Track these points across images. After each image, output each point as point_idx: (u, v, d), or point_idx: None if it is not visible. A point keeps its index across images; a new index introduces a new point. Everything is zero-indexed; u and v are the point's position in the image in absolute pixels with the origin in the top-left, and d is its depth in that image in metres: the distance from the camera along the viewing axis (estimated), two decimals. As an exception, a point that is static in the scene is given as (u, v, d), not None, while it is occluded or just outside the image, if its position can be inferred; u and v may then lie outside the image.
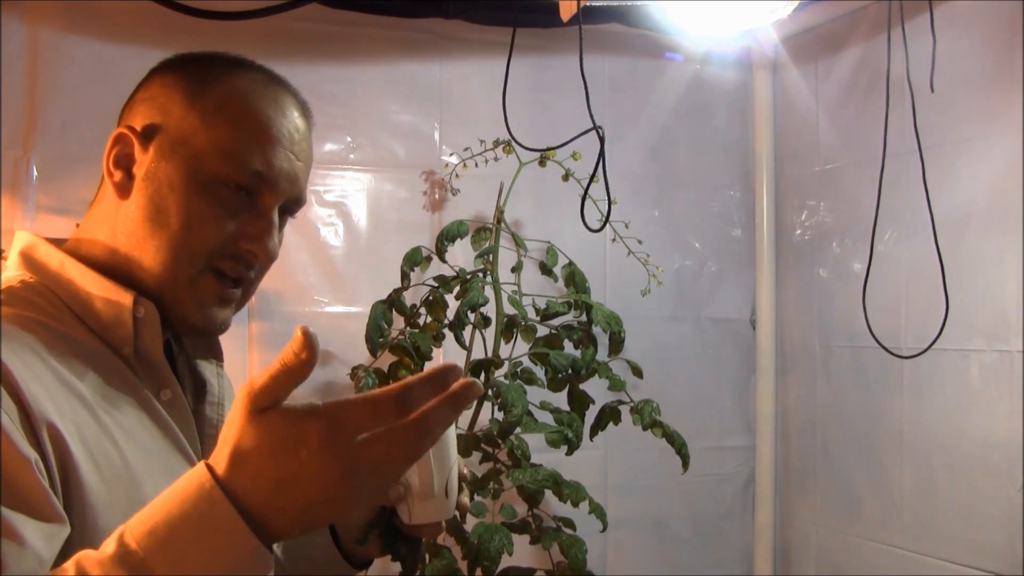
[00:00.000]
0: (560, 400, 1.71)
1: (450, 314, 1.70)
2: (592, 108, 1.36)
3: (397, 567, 0.94)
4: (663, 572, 2.10)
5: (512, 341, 1.73)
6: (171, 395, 0.89)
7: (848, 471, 1.97)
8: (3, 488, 0.68)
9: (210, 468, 0.63)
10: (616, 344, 1.74)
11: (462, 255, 1.83)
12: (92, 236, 0.89)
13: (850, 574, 1.97)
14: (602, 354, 1.74)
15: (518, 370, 1.69)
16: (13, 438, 0.70)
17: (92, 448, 0.77)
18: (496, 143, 1.78)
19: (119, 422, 0.81)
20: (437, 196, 1.93)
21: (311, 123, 0.95)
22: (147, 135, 0.88)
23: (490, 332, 1.74)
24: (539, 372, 1.69)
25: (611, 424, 1.72)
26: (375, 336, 1.63)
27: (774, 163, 2.18)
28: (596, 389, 1.73)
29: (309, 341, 0.62)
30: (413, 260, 1.71)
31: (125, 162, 0.88)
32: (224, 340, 1.00)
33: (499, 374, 1.69)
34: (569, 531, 1.66)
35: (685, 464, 1.68)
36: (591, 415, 1.73)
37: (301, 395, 1.91)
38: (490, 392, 1.66)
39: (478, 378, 1.67)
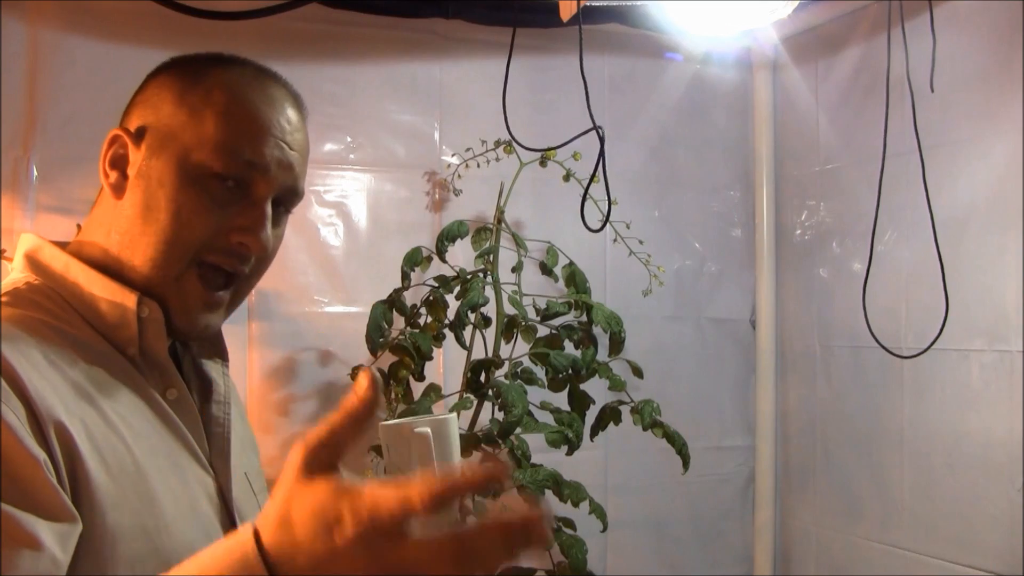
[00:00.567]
0: (560, 400, 1.71)
1: (450, 314, 1.70)
2: (592, 108, 1.36)
3: None
4: (663, 572, 2.10)
5: (512, 341, 1.73)
6: (177, 394, 0.89)
7: (848, 471, 1.97)
8: (15, 489, 0.68)
9: (257, 534, 0.60)
10: (616, 344, 1.74)
11: (462, 255, 1.83)
12: (91, 238, 0.89)
13: (850, 574, 1.97)
14: (602, 354, 1.74)
15: (518, 370, 1.69)
16: (21, 438, 0.70)
17: (100, 446, 0.77)
18: (497, 143, 1.78)
19: (126, 421, 0.81)
20: (437, 196, 1.93)
21: (305, 115, 0.94)
22: (139, 134, 0.88)
23: (490, 332, 1.74)
24: (539, 372, 1.69)
25: (611, 424, 1.72)
26: (375, 336, 1.63)
27: (774, 163, 2.18)
28: (596, 389, 1.73)
29: (374, 381, 0.60)
30: (413, 260, 1.71)
31: (120, 163, 0.88)
32: (225, 340, 1.00)
33: (499, 374, 1.69)
34: (569, 531, 1.66)
35: (685, 464, 1.68)
36: (591, 415, 1.73)
37: (301, 394, 1.90)
38: (490, 392, 1.66)
39: (478, 378, 1.68)
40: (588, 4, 1.76)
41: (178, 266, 0.85)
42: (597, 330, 1.73)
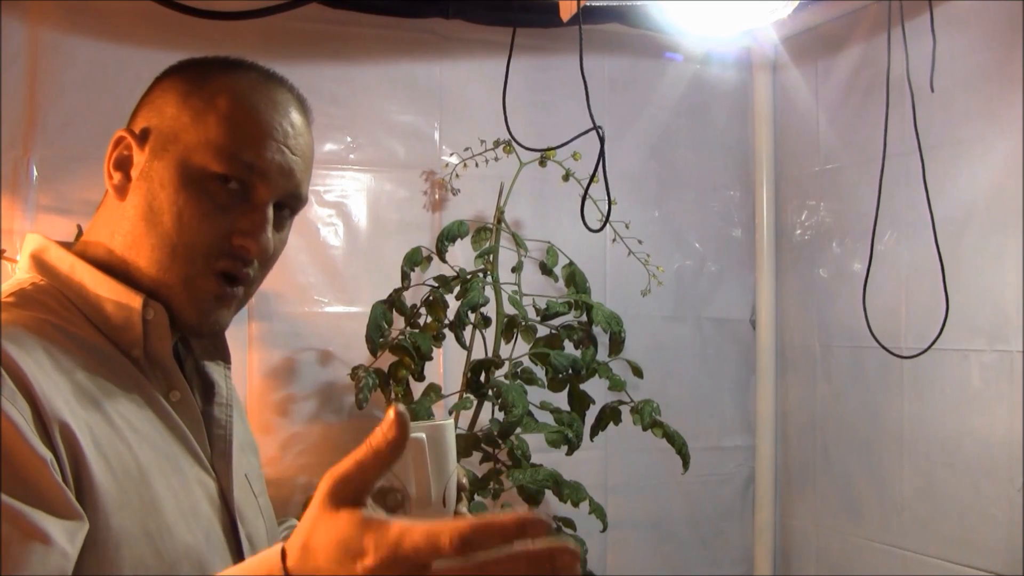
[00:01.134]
0: (560, 400, 1.71)
1: (450, 314, 1.70)
2: (592, 108, 1.36)
3: None
4: (663, 572, 2.10)
5: (512, 341, 1.73)
6: (180, 396, 0.89)
7: (848, 471, 1.97)
8: (22, 487, 0.69)
9: (284, 554, 0.62)
10: (616, 344, 1.74)
11: (462, 255, 1.83)
12: (96, 239, 0.90)
13: (850, 574, 1.97)
14: (602, 354, 1.74)
15: (518, 370, 1.69)
16: (27, 437, 0.70)
17: (104, 448, 0.77)
18: (496, 143, 1.78)
19: (130, 422, 0.81)
20: (437, 196, 1.93)
21: (310, 120, 0.95)
22: (143, 136, 0.88)
23: (490, 332, 1.74)
24: (539, 372, 1.69)
25: (611, 424, 1.72)
26: (375, 336, 1.63)
27: (774, 163, 2.18)
28: (596, 389, 1.73)
29: (401, 420, 0.59)
30: (413, 260, 1.72)
31: (124, 164, 0.89)
32: (225, 340, 1.00)
33: (499, 374, 1.69)
34: (569, 531, 1.66)
35: (685, 464, 1.68)
36: (591, 415, 1.73)
37: (301, 394, 1.90)
38: (490, 392, 1.66)
39: (478, 378, 1.68)
40: (588, 4, 1.76)
41: (188, 269, 0.86)
42: (597, 330, 1.73)
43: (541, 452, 1.66)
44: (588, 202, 1.44)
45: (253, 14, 1.56)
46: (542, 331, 1.75)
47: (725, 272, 2.19)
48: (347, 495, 0.60)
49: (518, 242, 1.78)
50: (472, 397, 1.67)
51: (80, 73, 1.66)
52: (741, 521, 2.19)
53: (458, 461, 1.64)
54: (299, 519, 0.64)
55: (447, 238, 1.72)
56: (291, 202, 0.92)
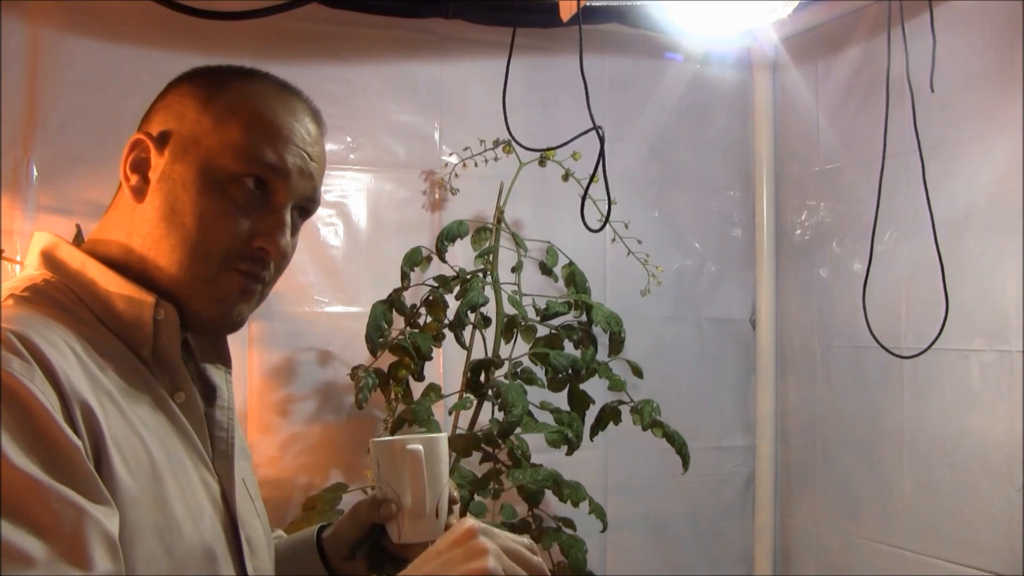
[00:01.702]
0: (560, 400, 1.71)
1: (450, 314, 1.70)
2: (592, 108, 1.36)
3: None
4: (663, 572, 2.10)
5: (512, 341, 1.73)
6: (185, 397, 0.89)
7: (848, 471, 1.97)
8: (62, 472, 0.70)
9: None
10: (616, 344, 1.74)
11: (462, 255, 1.83)
12: (109, 238, 0.90)
13: (850, 574, 1.97)
14: (602, 354, 1.74)
15: (518, 370, 1.69)
16: (62, 426, 0.72)
17: (120, 444, 0.78)
18: (496, 143, 1.78)
19: (142, 420, 0.82)
20: (437, 196, 1.93)
21: (323, 130, 0.97)
22: (162, 139, 0.89)
23: (490, 332, 1.74)
24: (539, 372, 1.69)
25: (611, 424, 1.72)
26: (375, 336, 1.63)
27: (774, 163, 2.18)
28: (596, 389, 1.73)
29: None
30: (413, 260, 1.72)
31: (141, 167, 0.89)
32: (225, 341, 1.00)
33: (499, 374, 1.69)
34: (569, 531, 1.66)
35: (685, 464, 1.68)
36: (591, 415, 1.73)
37: (301, 394, 1.90)
38: (490, 392, 1.66)
39: (478, 378, 1.68)
40: (588, 4, 1.76)
41: (208, 268, 0.86)
42: (597, 330, 1.73)
43: (541, 452, 1.66)
44: (588, 202, 1.44)
45: (253, 14, 1.56)
46: (542, 331, 1.75)
47: (725, 272, 2.19)
48: None
49: (518, 242, 1.78)
50: (472, 397, 1.67)
51: (80, 73, 1.66)
52: (741, 521, 2.19)
53: (458, 461, 1.65)
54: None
55: (447, 238, 1.71)
56: (306, 206, 0.94)
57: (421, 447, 0.93)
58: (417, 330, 1.69)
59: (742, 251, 2.20)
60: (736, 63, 2.17)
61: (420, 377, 1.68)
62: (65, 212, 1.64)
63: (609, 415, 1.72)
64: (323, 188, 1.90)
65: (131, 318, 0.85)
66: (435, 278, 1.73)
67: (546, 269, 1.80)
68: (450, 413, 1.67)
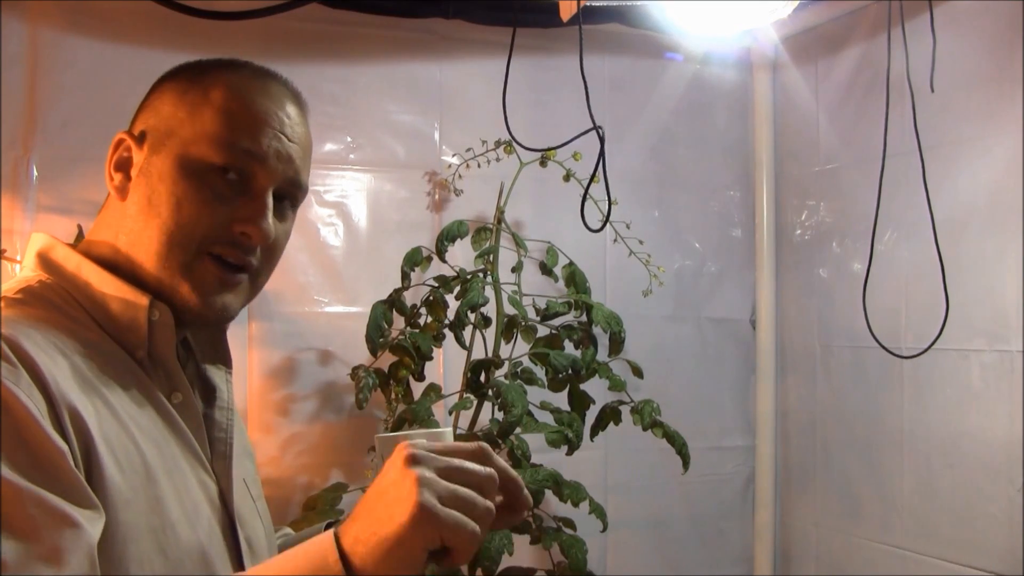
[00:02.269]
0: (560, 400, 1.71)
1: (450, 314, 1.70)
2: (592, 108, 1.36)
3: None
4: (663, 572, 2.10)
5: (512, 341, 1.73)
6: (182, 398, 0.89)
7: (848, 471, 1.97)
8: (45, 476, 0.70)
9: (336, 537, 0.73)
10: (616, 344, 1.74)
11: (462, 255, 1.83)
12: (100, 238, 0.90)
13: (850, 574, 1.97)
14: (602, 354, 1.74)
15: (518, 370, 1.69)
16: (46, 429, 0.71)
17: (112, 443, 0.78)
18: (497, 143, 1.78)
19: (136, 421, 0.82)
20: (437, 196, 1.93)
21: (306, 112, 0.95)
22: (142, 136, 0.89)
23: (490, 332, 1.74)
24: (539, 372, 1.69)
25: (611, 424, 1.72)
26: (375, 336, 1.63)
27: (774, 163, 2.18)
28: (596, 389, 1.73)
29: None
30: (413, 260, 1.71)
31: (124, 165, 0.89)
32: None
33: (499, 374, 1.69)
34: (569, 531, 1.66)
35: (685, 464, 1.68)
36: (591, 415, 1.73)
37: (301, 394, 1.90)
38: (490, 392, 1.66)
39: (478, 378, 1.68)
40: (588, 4, 1.76)
41: (184, 255, 0.85)
42: (597, 330, 1.73)
43: (541, 452, 1.66)
44: (588, 202, 1.44)
45: (253, 14, 1.56)
46: (542, 331, 1.75)
47: (725, 272, 2.19)
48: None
49: (518, 242, 1.78)
50: (472, 397, 1.66)
51: (80, 73, 1.66)
52: (741, 521, 2.19)
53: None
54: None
55: (447, 238, 1.71)
56: (291, 190, 0.92)
57: (424, 442, 0.93)
58: (417, 330, 1.69)
59: (742, 251, 2.20)
60: (736, 63, 2.17)
61: (420, 377, 1.68)
62: (65, 212, 1.64)
63: (609, 415, 1.72)
64: (323, 188, 1.92)
65: (126, 319, 0.85)
66: (435, 278, 1.73)
67: (546, 269, 1.80)
68: (450, 413, 1.67)
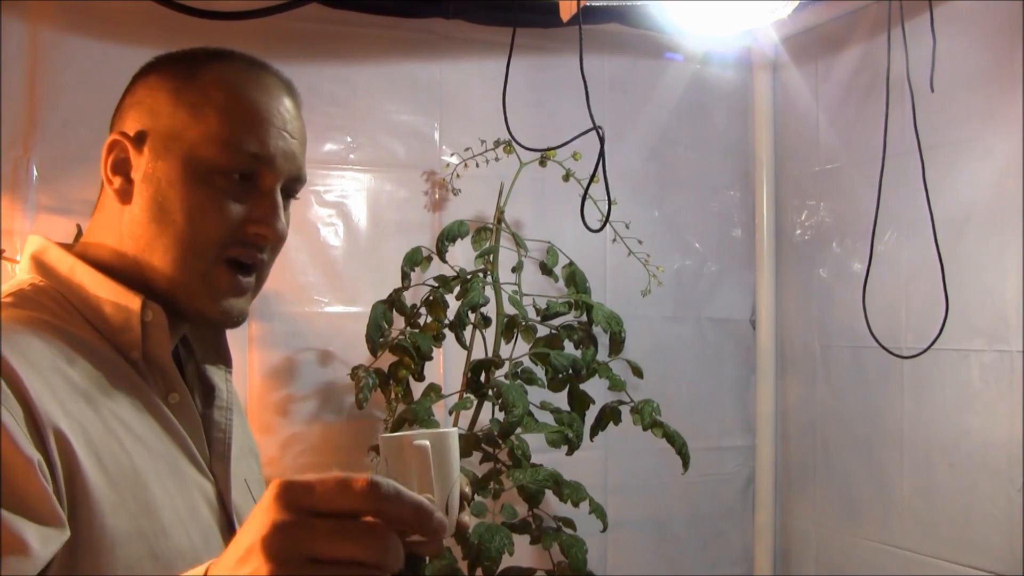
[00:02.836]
0: (560, 400, 1.71)
1: (450, 314, 1.70)
2: (592, 108, 1.36)
3: None
4: (663, 572, 2.10)
5: (512, 341, 1.73)
6: (179, 399, 0.89)
7: (848, 471, 1.97)
8: (7, 489, 0.68)
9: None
10: (616, 344, 1.74)
11: (462, 255, 1.83)
12: (98, 241, 0.90)
13: (850, 574, 1.97)
14: (602, 354, 1.74)
15: (518, 370, 1.69)
16: (16, 439, 0.70)
17: (99, 451, 0.77)
18: (496, 143, 1.78)
19: (127, 425, 0.81)
20: (437, 196, 1.93)
21: (299, 102, 0.95)
22: (140, 138, 0.88)
23: (490, 332, 1.74)
24: (539, 372, 1.69)
25: (611, 424, 1.72)
26: (375, 336, 1.63)
27: (774, 163, 2.18)
28: (596, 389, 1.73)
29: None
30: (413, 260, 1.71)
31: (122, 168, 0.89)
32: (225, 341, 1.00)
33: (499, 374, 1.69)
34: (569, 531, 1.66)
35: (685, 464, 1.68)
36: (591, 415, 1.73)
37: (301, 394, 1.90)
38: (490, 392, 1.66)
39: (478, 378, 1.68)
40: (588, 4, 1.76)
41: (202, 264, 0.86)
42: (597, 330, 1.73)
43: (541, 452, 1.66)
44: (588, 202, 1.44)
45: (253, 14, 1.57)
46: (542, 331, 1.75)
47: (725, 272, 2.19)
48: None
49: (518, 242, 1.78)
50: (472, 397, 1.66)
51: (80, 73, 1.66)
52: (741, 521, 2.19)
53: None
54: None
55: (447, 238, 1.71)
56: (293, 185, 0.93)
57: (429, 443, 0.93)
58: (417, 330, 1.69)
59: (742, 251, 2.20)
60: (736, 63, 2.17)
61: (420, 377, 1.68)
62: (65, 212, 1.64)
63: (609, 415, 1.72)
64: (323, 188, 1.93)
65: (119, 321, 0.85)
66: (435, 278, 1.73)
67: (546, 269, 1.80)
68: (450, 413, 1.67)
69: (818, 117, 2.06)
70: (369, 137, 1.89)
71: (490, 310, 1.72)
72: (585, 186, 1.46)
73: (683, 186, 2.15)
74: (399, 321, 1.71)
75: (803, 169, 2.12)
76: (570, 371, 1.67)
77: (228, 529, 0.89)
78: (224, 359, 0.98)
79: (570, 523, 1.68)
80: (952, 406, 1.71)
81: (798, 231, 2.14)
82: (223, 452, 0.92)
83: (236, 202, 0.87)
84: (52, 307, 0.84)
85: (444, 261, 1.74)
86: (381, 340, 1.64)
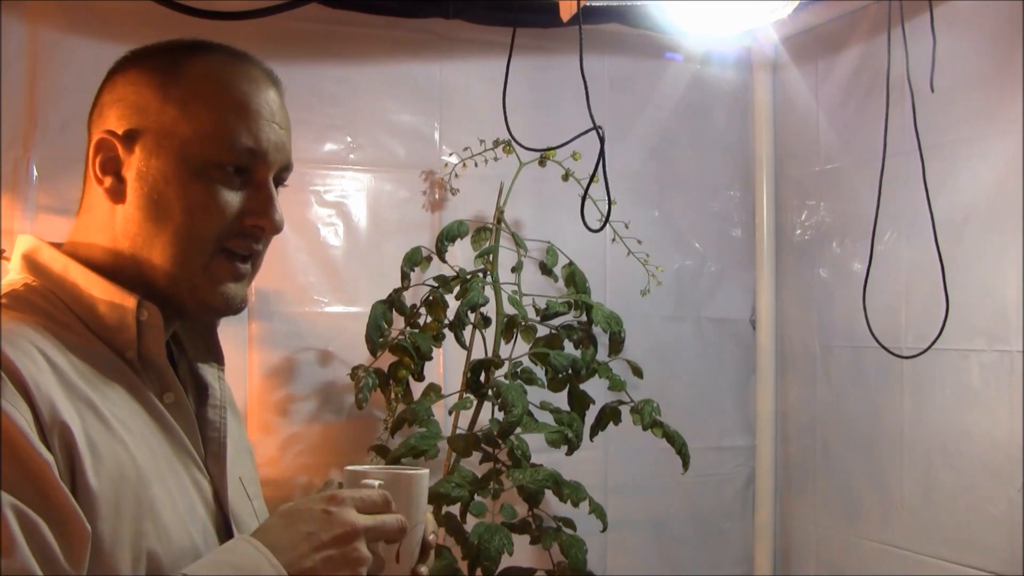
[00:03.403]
0: (560, 400, 1.71)
1: (450, 314, 1.70)
2: (592, 108, 1.36)
3: None
4: (663, 572, 2.10)
5: (512, 341, 1.73)
6: (174, 398, 0.89)
7: (848, 471, 1.97)
8: (31, 491, 0.69)
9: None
10: (616, 344, 1.74)
11: (462, 255, 1.83)
12: (90, 240, 0.89)
13: (850, 574, 1.96)
14: (602, 354, 1.74)
15: (518, 370, 1.69)
16: (32, 441, 0.71)
17: (100, 450, 0.77)
18: (496, 143, 1.78)
19: (124, 424, 0.81)
20: (437, 196, 1.93)
21: (282, 90, 0.95)
22: (129, 136, 0.88)
23: (490, 332, 1.74)
24: (539, 372, 1.69)
25: (611, 424, 1.72)
26: (375, 336, 1.63)
27: (774, 163, 2.18)
28: (596, 389, 1.73)
29: None
30: (413, 260, 1.72)
31: (112, 166, 0.88)
32: (224, 340, 1.00)
33: (499, 374, 1.69)
34: (569, 531, 1.66)
35: (685, 464, 1.68)
36: (591, 415, 1.73)
37: (301, 394, 1.90)
38: (490, 392, 1.66)
39: (478, 378, 1.68)
40: (588, 4, 1.76)
41: (202, 257, 0.87)
42: (597, 330, 1.73)
43: (541, 452, 1.66)
44: (588, 202, 1.44)
45: (253, 14, 1.57)
46: (542, 331, 1.75)
47: (725, 272, 2.19)
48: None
49: (518, 242, 1.78)
50: (472, 397, 1.66)
51: (80, 73, 1.66)
52: (741, 521, 2.19)
53: (458, 461, 1.65)
54: None
55: (447, 238, 1.71)
56: (283, 174, 0.94)
57: (377, 483, 0.86)
58: (417, 330, 1.69)
59: (742, 251, 2.20)
60: (736, 63, 2.17)
61: (420, 377, 1.68)
62: (65, 212, 1.63)
63: (609, 415, 1.72)
64: (323, 188, 1.93)
65: (114, 320, 0.85)
66: (435, 278, 1.73)
67: (546, 269, 1.80)
68: (450, 413, 1.67)
69: (818, 117, 2.06)
70: (369, 137, 1.89)
71: (490, 310, 1.72)
72: (585, 186, 1.46)
73: (683, 186, 2.15)
74: (399, 321, 1.71)
75: (803, 169, 2.12)
76: (570, 371, 1.67)
77: (224, 528, 0.89)
78: (216, 356, 0.98)
79: (570, 523, 1.68)
80: (952, 406, 1.71)
81: (798, 231, 2.14)
82: (218, 451, 0.92)
83: (232, 194, 0.87)
84: (46, 308, 0.84)
85: (444, 261, 1.74)
86: (381, 340, 1.64)
